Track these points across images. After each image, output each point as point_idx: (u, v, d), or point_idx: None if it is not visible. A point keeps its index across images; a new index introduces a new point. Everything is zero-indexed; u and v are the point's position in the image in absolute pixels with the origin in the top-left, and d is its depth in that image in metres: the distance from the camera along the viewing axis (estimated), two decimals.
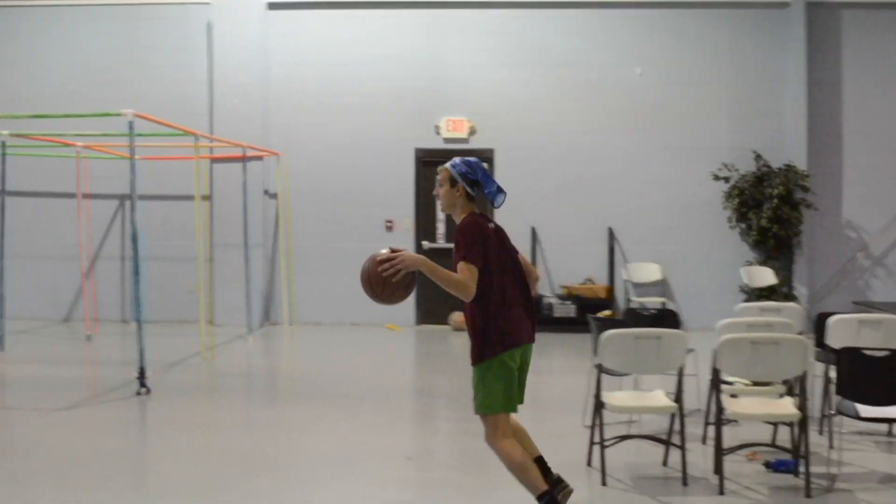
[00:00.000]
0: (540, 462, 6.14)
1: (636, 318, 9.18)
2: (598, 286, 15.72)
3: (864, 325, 8.25)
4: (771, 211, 15.26)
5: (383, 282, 5.52)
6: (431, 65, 16.24)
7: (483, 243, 5.80)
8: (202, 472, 7.61)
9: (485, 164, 6.18)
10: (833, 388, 7.12)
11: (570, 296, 15.62)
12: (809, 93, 15.87)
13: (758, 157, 15.74)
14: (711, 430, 7.88)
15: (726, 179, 15.74)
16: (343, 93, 16.27)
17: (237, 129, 15.70)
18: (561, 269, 16.02)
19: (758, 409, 7.37)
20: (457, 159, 6.15)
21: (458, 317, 15.81)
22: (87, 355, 13.55)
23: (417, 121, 16.23)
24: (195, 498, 6.95)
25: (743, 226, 15.72)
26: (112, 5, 16.50)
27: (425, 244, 16.19)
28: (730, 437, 8.02)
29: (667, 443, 7.64)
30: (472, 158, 6.17)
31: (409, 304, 16.09)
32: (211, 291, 15.73)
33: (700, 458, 7.85)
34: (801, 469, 7.12)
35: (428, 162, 16.25)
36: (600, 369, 7.29)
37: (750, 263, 15.49)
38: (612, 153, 16.14)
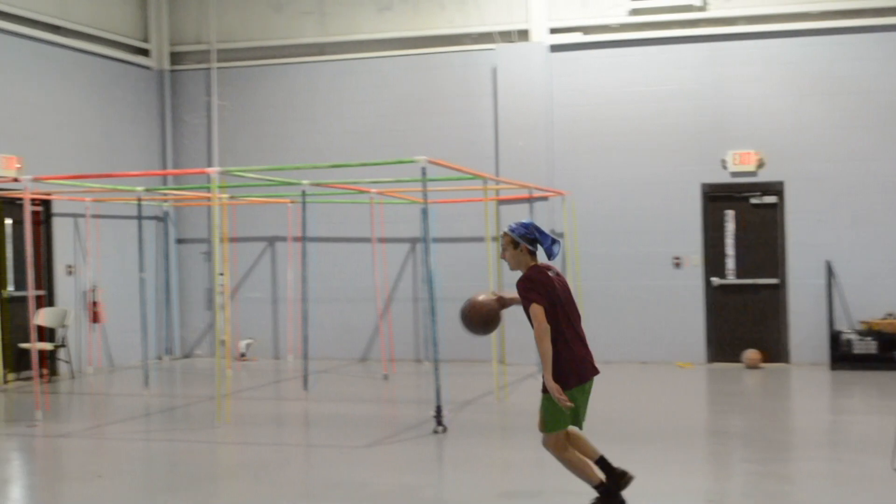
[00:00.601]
0: (603, 461, 7.12)
1: None
2: None
3: None
4: None
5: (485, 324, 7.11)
6: (715, 98, 15.94)
7: (543, 287, 6.79)
8: None
9: (535, 223, 7.09)
10: None
11: (870, 331, 14.87)
12: None
13: None
14: None
15: None
16: (626, 130, 16.22)
17: (523, 170, 15.92)
18: (860, 303, 15.28)
19: None
20: (513, 224, 7.04)
21: (751, 354, 15.35)
22: (384, 394, 14.00)
23: (703, 155, 15.95)
24: None
25: None
26: (401, 56, 17.13)
27: (715, 280, 15.84)
28: None
29: None
30: (526, 220, 7.11)
31: (699, 340, 15.79)
32: (502, 331, 15.91)
33: None
34: None
35: (716, 197, 15.93)
36: None
37: None
38: None
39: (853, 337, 14.84)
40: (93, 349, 16.11)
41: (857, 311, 15.27)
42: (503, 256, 7.07)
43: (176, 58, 18.22)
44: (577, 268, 16.23)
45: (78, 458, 10.07)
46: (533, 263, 6.96)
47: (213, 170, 11.56)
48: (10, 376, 14.49)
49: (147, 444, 10.84)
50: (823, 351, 15.24)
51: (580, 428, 7.05)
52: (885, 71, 15.38)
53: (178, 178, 17.44)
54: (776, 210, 15.80)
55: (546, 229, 15.78)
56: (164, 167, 17.85)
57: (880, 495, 7.52)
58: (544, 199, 16.05)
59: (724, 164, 15.87)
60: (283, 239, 17.24)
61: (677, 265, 16.02)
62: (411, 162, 11.13)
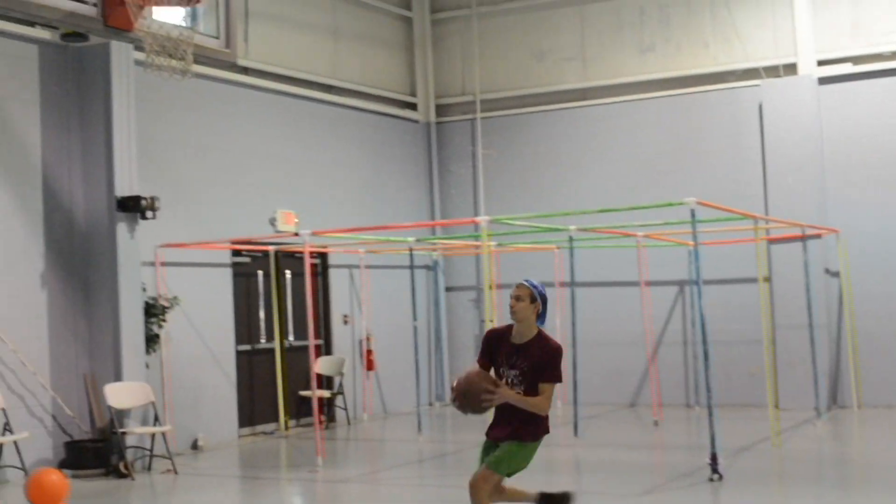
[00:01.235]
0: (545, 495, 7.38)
1: None
2: None
3: None
4: None
5: (473, 404, 6.57)
6: None
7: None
8: None
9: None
10: None
11: None
12: None
13: None
14: None
15: None
16: None
17: (793, 207, 15.41)
18: None
19: None
20: (534, 281, 6.88)
21: None
22: (655, 440, 13.76)
23: None
24: None
25: None
26: (665, 97, 16.97)
27: None
28: None
29: None
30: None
31: None
32: (775, 374, 15.39)
33: None
34: None
35: None
36: None
37: None
38: None
39: None
40: (367, 396, 16.62)
41: None
42: (517, 306, 6.76)
43: (441, 110, 18.73)
44: (852, 308, 15.51)
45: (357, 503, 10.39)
46: (537, 327, 6.83)
47: (482, 219, 11.77)
48: (291, 423, 15.12)
49: (421, 489, 11.07)
50: None
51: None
52: None
53: (445, 226, 17.84)
54: None
55: (821, 268, 15.36)
56: (433, 217, 18.31)
57: None
58: (817, 237, 15.45)
59: None
60: (550, 284, 17.28)
61: None
62: (679, 205, 10.97)
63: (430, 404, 17.82)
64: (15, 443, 11.06)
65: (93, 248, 12.26)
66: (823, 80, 15.92)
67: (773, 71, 16.20)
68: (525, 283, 6.85)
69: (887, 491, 9.71)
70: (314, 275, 15.73)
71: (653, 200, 14.14)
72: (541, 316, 6.83)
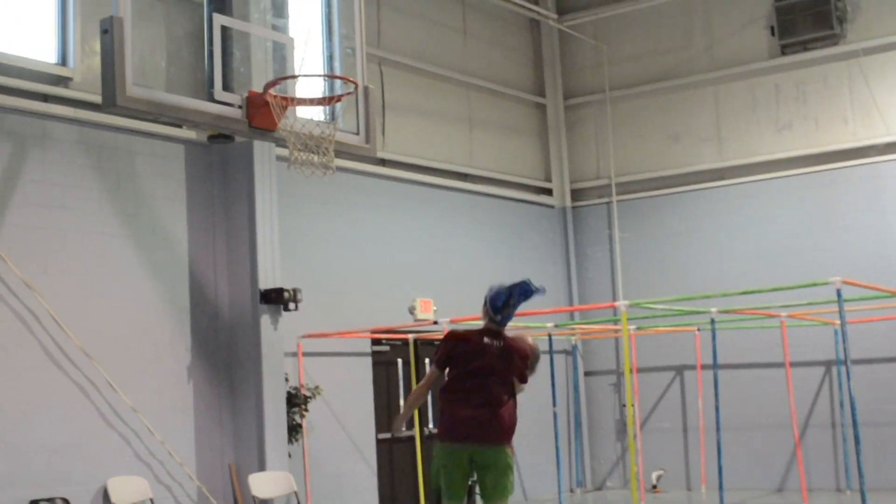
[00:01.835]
0: None
1: None
2: None
3: None
4: None
5: None
6: None
7: (449, 349, 7.45)
8: None
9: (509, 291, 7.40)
10: None
11: None
12: None
13: None
14: None
15: None
16: None
17: None
18: None
19: None
20: (492, 291, 7.47)
21: None
22: None
23: None
24: None
25: None
26: (803, 174, 16.68)
27: None
28: None
29: None
30: (502, 289, 7.45)
31: None
32: None
33: None
34: None
35: None
36: None
37: None
38: None
39: None
40: None
41: None
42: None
43: (577, 194, 18.75)
44: None
45: None
46: (485, 326, 7.58)
47: (622, 303, 11.70)
48: None
49: None
50: None
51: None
52: None
53: (584, 311, 17.74)
54: None
55: None
56: (570, 301, 18.24)
57: None
58: None
59: None
60: (691, 367, 17.02)
61: None
62: (825, 284, 10.74)
63: (571, 490, 17.58)
64: None
65: (237, 339, 12.56)
66: None
67: None
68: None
69: None
70: None
71: (795, 279, 13.86)
72: (493, 315, 7.55)
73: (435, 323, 13.29)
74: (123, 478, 11.34)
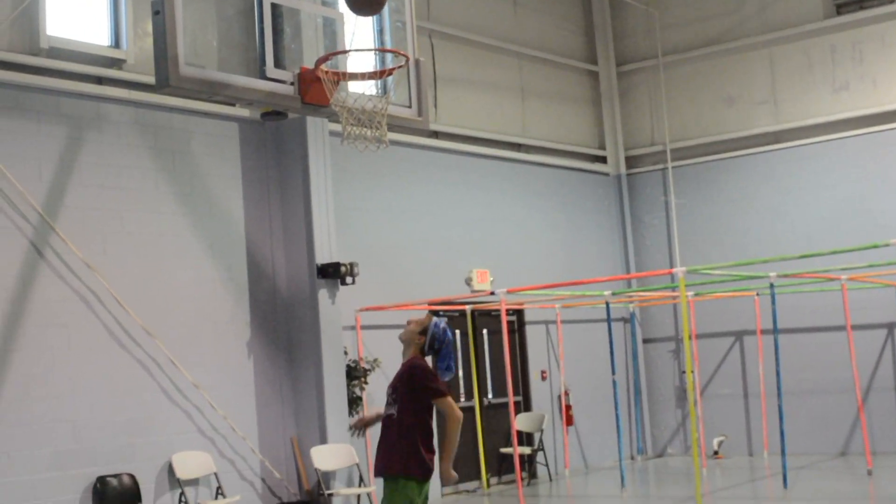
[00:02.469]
0: None
1: None
2: None
3: None
4: None
5: None
6: None
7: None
8: None
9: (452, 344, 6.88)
10: None
11: None
12: None
13: None
14: None
15: None
16: None
17: None
18: None
19: None
20: (442, 323, 6.86)
21: None
22: (870, 490, 13.21)
23: None
24: None
25: None
26: (861, 135, 16.43)
27: None
28: None
29: None
30: (448, 334, 6.85)
31: None
32: None
33: None
34: None
35: None
36: None
37: None
38: None
39: None
40: (568, 451, 16.52)
41: None
42: (406, 328, 6.89)
43: (631, 161, 18.63)
44: None
45: None
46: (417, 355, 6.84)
47: (679, 270, 11.63)
48: (492, 480, 15.17)
49: None
50: None
51: None
52: None
53: (641, 278, 17.67)
54: None
55: None
56: (627, 268, 18.17)
57: None
58: None
59: None
60: (751, 332, 16.89)
61: None
62: (886, 245, 10.60)
63: (632, 458, 17.56)
64: None
65: (295, 314, 12.68)
66: None
67: None
68: (430, 316, 6.99)
69: None
70: (510, 332, 15.79)
71: (854, 241, 13.71)
72: (428, 353, 6.84)
73: (492, 293, 13.31)
74: (187, 453, 11.54)
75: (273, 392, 12.56)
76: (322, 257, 12.60)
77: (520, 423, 15.50)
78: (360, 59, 10.51)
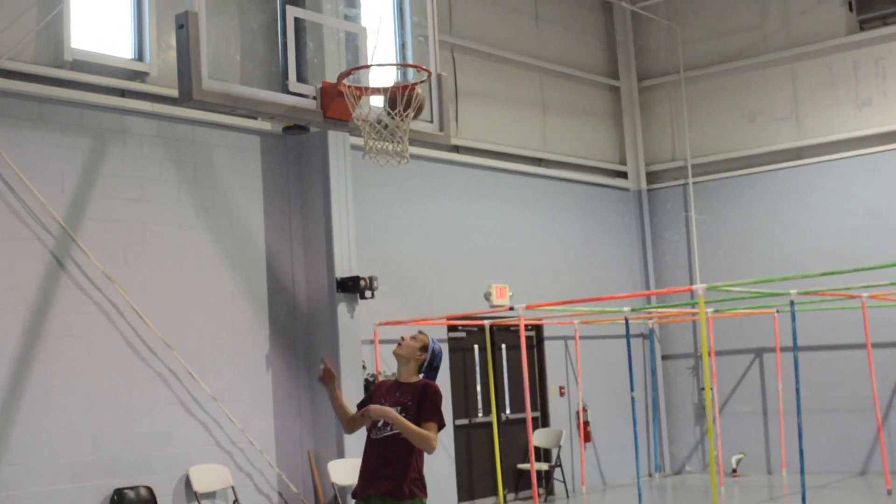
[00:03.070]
0: None
1: None
2: None
3: None
4: None
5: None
6: None
7: None
8: None
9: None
10: None
11: None
12: None
13: None
14: None
15: None
16: None
17: None
18: None
19: None
20: (437, 346, 6.80)
21: None
22: None
23: None
24: None
25: None
26: (883, 152, 16.35)
27: None
28: None
29: None
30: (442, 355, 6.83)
31: None
32: None
33: None
34: None
35: None
36: None
37: None
38: None
39: None
40: (585, 468, 16.45)
41: None
42: (405, 342, 6.79)
43: (652, 177, 18.59)
44: None
45: None
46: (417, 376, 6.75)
47: (699, 287, 11.58)
48: (509, 496, 15.12)
49: None
50: None
51: None
52: None
53: (660, 295, 17.61)
54: None
55: None
56: (647, 285, 18.11)
57: None
58: None
59: None
60: (770, 350, 16.82)
61: None
62: None
63: (650, 475, 17.49)
64: None
65: (314, 328, 12.68)
66: None
67: None
68: (425, 334, 6.88)
69: None
70: (529, 347, 15.75)
71: (876, 259, 13.64)
72: (426, 370, 6.75)
73: (511, 309, 13.28)
74: (205, 466, 11.54)
75: (291, 405, 12.56)
76: (342, 271, 12.59)
77: (537, 438, 15.46)
78: (382, 74, 10.52)
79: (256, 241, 12.53)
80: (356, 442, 12.35)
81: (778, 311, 16.06)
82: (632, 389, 15.11)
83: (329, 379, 6.76)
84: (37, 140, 10.76)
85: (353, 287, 12.56)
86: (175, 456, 11.37)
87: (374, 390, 6.88)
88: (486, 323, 14.66)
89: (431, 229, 14.76)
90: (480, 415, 15.11)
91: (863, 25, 16.55)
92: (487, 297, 15.32)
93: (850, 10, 16.58)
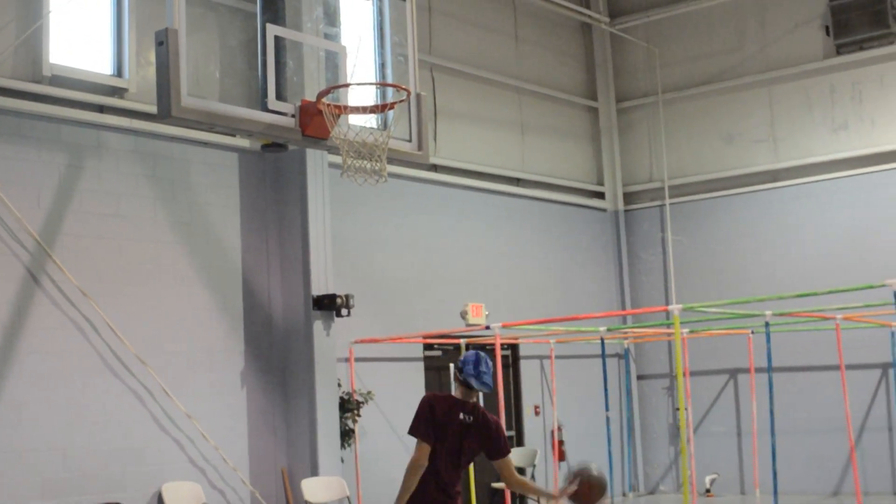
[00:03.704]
0: None
1: None
2: None
3: None
4: None
5: None
6: None
7: (427, 419, 6.77)
8: None
9: (480, 356, 6.97)
10: None
11: None
12: None
13: None
14: None
15: None
16: None
17: None
18: None
19: None
20: (465, 355, 7.02)
21: None
22: None
23: None
24: None
25: None
26: (858, 175, 16.47)
27: None
28: None
29: None
30: (470, 353, 6.99)
31: None
32: None
33: None
34: None
35: None
36: None
37: None
38: None
39: None
40: (559, 486, 16.42)
41: None
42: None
43: (629, 197, 18.67)
44: None
45: None
46: (458, 392, 6.94)
47: (675, 307, 11.64)
48: None
49: None
50: None
51: None
52: None
53: (636, 315, 17.67)
54: None
55: None
56: (622, 305, 18.17)
57: None
58: None
59: None
60: (745, 370, 16.89)
61: None
62: (881, 287, 10.62)
63: (624, 494, 17.51)
64: None
65: (290, 345, 12.65)
66: None
67: None
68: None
69: None
70: (504, 366, 15.76)
71: (851, 282, 13.70)
72: (465, 381, 6.91)
73: (487, 328, 13.30)
74: (178, 483, 11.48)
75: (265, 423, 12.52)
76: (318, 289, 12.57)
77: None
78: (361, 93, 10.54)
79: (233, 259, 12.51)
80: (330, 460, 12.36)
81: (752, 332, 16.13)
82: (606, 409, 15.16)
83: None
84: (13, 155, 10.71)
85: (329, 305, 12.55)
86: (148, 473, 11.31)
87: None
88: (462, 341, 14.68)
89: (408, 248, 14.77)
90: None
91: (839, 50, 16.68)
92: (463, 315, 15.33)
93: (828, 34, 16.71)
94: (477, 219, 15.96)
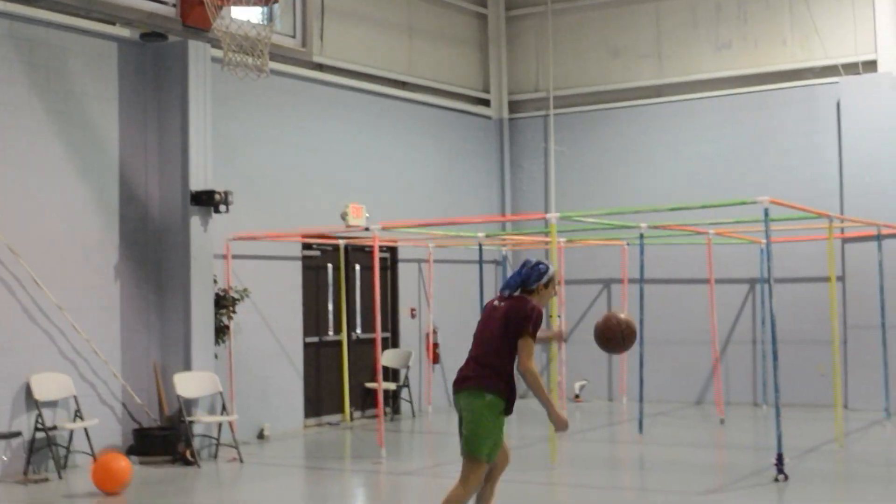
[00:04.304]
0: None
1: None
2: None
3: None
4: None
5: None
6: None
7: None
8: None
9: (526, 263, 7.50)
10: None
11: None
12: None
13: None
14: None
15: None
16: None
17: (870, 207, 15.22)
18: None
19: None
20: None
21: None
22: (720, 439, 13.74)
23: None
24: None
25: None
26: (740, 94, 16.83)
27: None
28: None
29: None
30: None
31: None
32: (844, 375, 15.25)
33: None
34: None
35: None
36: None
37: None
38: None
39: None
40: (432, 389, 16.74)
41: None
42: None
43: (514, 106, 18.77)
44: None
45: (419, 496, 10.51)
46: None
47: (552, 215, 11.82)
48: (356, 414, 15.33)
49: None
50: None
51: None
52: None
53: (515, 222, 17.89)
54: None
55: (894, 268, 15.07)
56: (503, 212, 18.36)
57: None
58: (893, 236, 15.21)
59: None
60: (619, 281, 17.29)
61: None
62: (753, 203, 10.92)
63: None
64: (85, 429, 11.40)
65: (166, 240, 12.53)
66: None
67: (852, 68, 16.02)
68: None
69: None
70: (382, 268, 15.87)
71: (726, 198, 14.07)
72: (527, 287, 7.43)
73: (366, 229, 13.33)
74: (46, 374, 11.36)
75: (139, 317, 12.43)
76: (196, 184, 12.44)
77: (386, 359, 15.64)
78: None
79: (109, 150, 12.27)
80: (204, 356, 12.37)
81: (627, 244, 16.47)
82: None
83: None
84: None
85: (207, 200, 12.43)
86: (15, 364, 11.16)
87: None
88: (341, 242, 14.70)
89: (291, 146, 14.66)
90: (331, 333, 15.20)
91: None
92: (343, 216, 15.29)
93: None
94: (361, 120, 15.89)
